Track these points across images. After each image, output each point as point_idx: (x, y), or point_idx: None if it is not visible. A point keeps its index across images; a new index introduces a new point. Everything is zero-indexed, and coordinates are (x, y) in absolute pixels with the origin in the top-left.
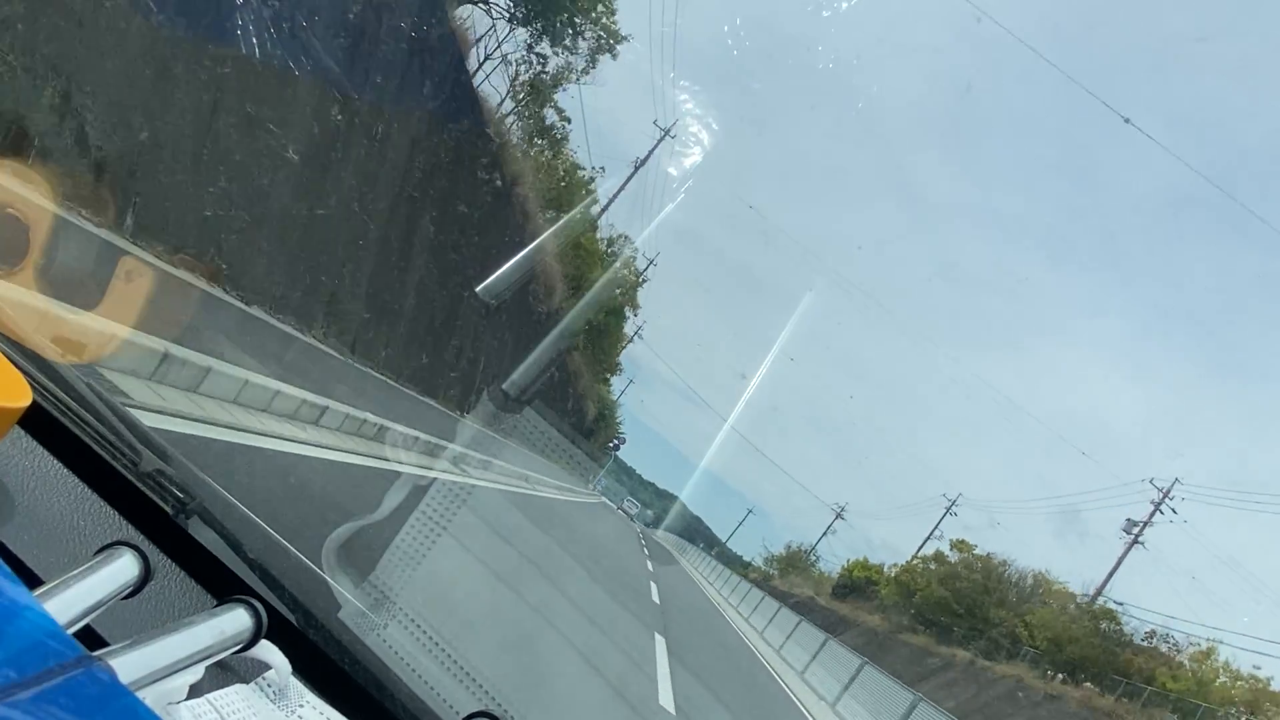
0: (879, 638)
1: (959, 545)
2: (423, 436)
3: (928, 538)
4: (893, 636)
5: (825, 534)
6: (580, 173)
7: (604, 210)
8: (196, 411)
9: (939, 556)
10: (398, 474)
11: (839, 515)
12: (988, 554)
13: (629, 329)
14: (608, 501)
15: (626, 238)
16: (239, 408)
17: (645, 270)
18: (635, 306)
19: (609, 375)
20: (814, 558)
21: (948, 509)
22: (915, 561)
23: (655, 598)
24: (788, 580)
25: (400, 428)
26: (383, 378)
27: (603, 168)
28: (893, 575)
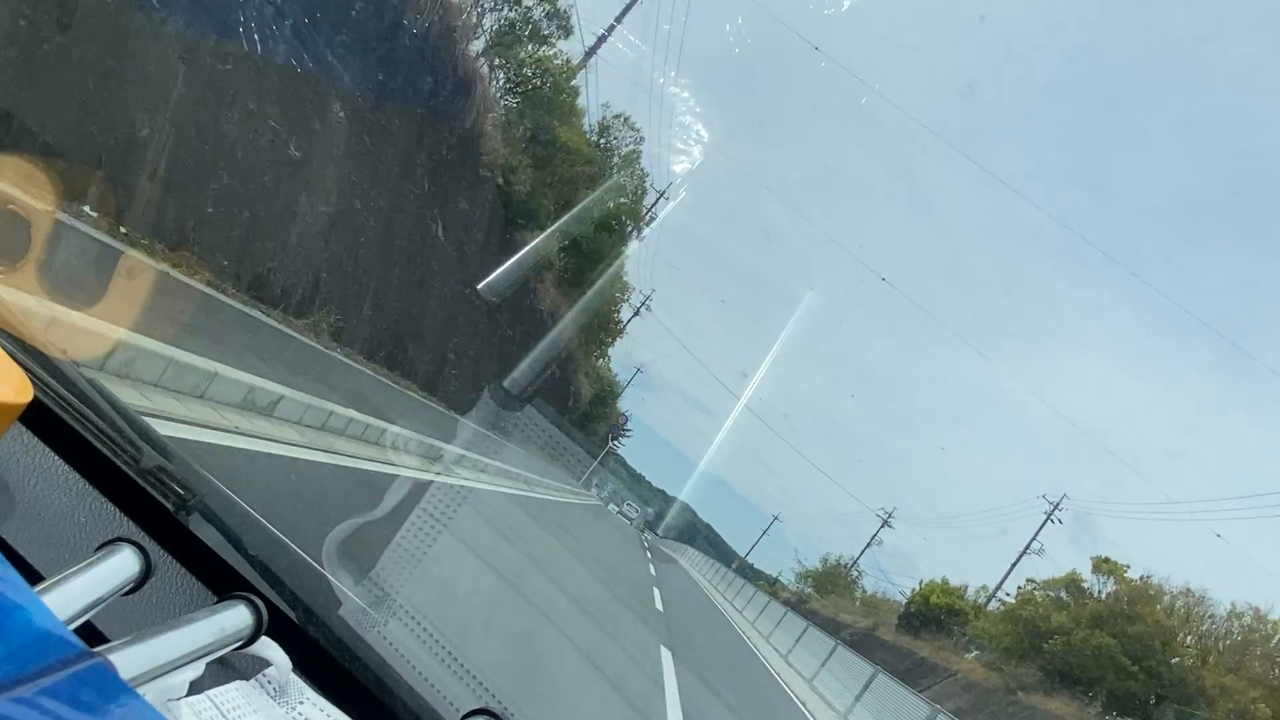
0: (995, 699)
1: (1105, 566)
2: (422, 438)
3: (1024, 552)
4: (1015, 699)
5: (870, 544)
6: None
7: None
8: (193, 415)
9: (1072, 581)
10: (397, 476)
11: (886, 522)
12: (1143, 577)
13: (632, 266)
14: (614, 509)
15: (626, 119)
16: (236, 410)
17: (655, 206)
18: (639, 221)
19: (608, 340)
20: (856, 573)
21: (1048, 515)
22: (1031, 589)
23: (659, 607)
24: (829, 602)
25: (399, 429)
26: (382, 378)
27: None
28: (1000, 608)
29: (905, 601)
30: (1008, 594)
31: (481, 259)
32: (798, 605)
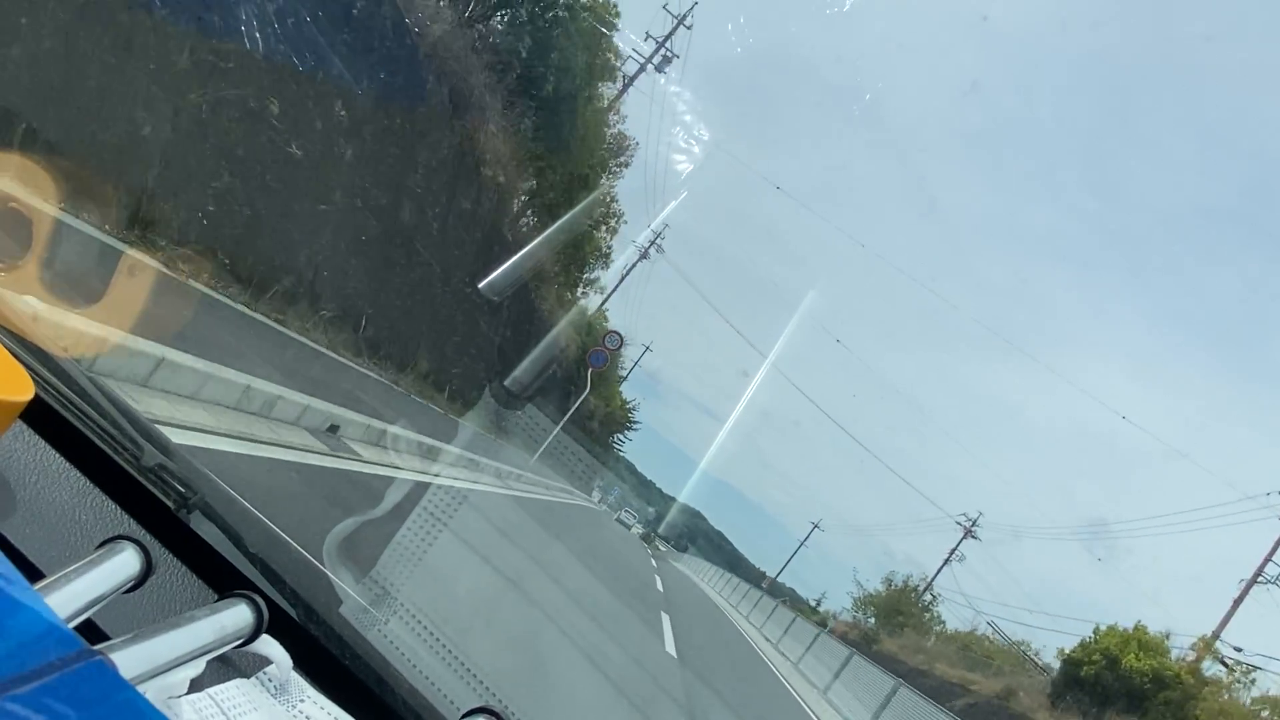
0: None
1: None
2: (423, 438)
3: (1254, 579)
4: None
5: (949, 560)
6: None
7: None
8: (191, 417)
9: None
10: (395, 478)
11: (969, 532)
12: None
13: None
14: (619, 514)
15: None
16: (235, 412)
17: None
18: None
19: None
20: (929, 597)
21: None
22: None
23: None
24: (907, 642)
25: (398, 429)
26: (381, 378)
27: None
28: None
29: (1064, 660)
30: (1239, 649)
31: (483, 257)
32: (864, 646)
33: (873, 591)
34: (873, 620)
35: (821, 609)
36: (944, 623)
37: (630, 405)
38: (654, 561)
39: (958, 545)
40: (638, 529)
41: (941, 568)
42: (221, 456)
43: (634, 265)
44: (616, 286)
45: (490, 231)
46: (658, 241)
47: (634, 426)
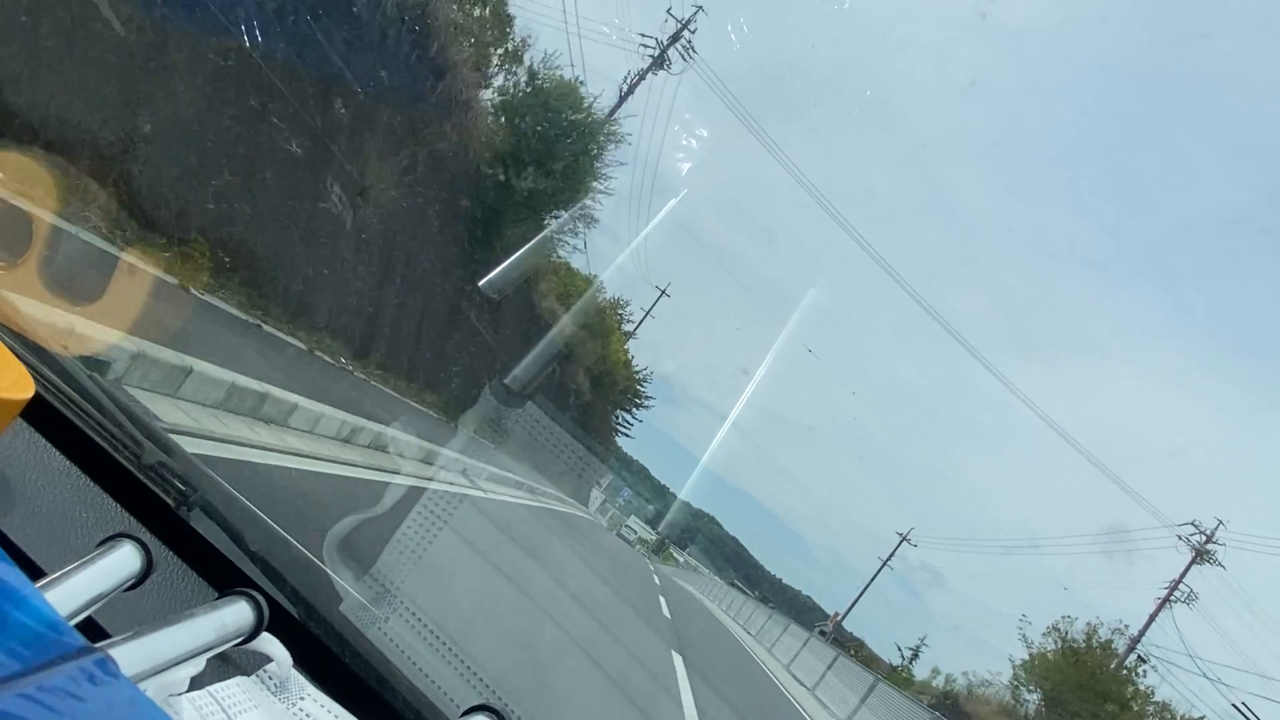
0: None
1: None
2: (423, 442)
3: None
4: None
5: (1171, 600)
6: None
7: None
8: (188, 420)
9: None
10: (391, 483)
11: (1199, 554)
12: None
13: None
14: (628, 525)
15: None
16: (232, 415)
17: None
18: None
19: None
20: (1137, 660)
21: None
22: None
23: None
24: None
25: (396, 431)
26: (379, 380)
27: None
28: None
29: None
30: None
31: (483, 256)
32: None
33: (1041, 650)
34: (1037, 696)
35: (907, 668)
36: (1156, 697)
37: (641, 374)
38: (657, 579)
39: (1184, 573)
40: (642, 533)
41: (1159, 609)
42: (217, 460)
43: (643, 76)
44: (615, 108)
45: (490, 229)
46: (685, 37)
47: (644, 403)
